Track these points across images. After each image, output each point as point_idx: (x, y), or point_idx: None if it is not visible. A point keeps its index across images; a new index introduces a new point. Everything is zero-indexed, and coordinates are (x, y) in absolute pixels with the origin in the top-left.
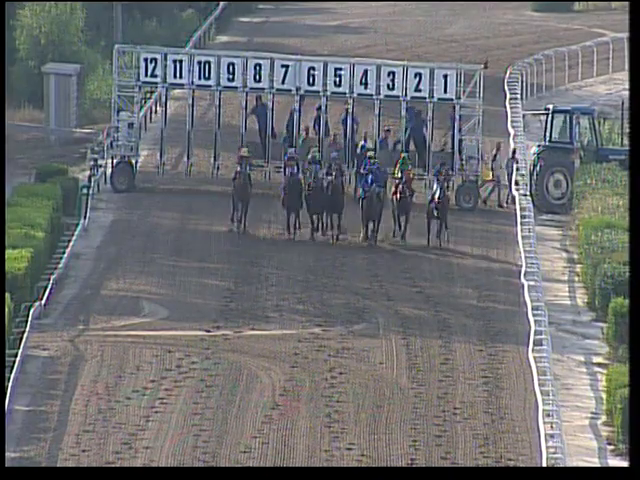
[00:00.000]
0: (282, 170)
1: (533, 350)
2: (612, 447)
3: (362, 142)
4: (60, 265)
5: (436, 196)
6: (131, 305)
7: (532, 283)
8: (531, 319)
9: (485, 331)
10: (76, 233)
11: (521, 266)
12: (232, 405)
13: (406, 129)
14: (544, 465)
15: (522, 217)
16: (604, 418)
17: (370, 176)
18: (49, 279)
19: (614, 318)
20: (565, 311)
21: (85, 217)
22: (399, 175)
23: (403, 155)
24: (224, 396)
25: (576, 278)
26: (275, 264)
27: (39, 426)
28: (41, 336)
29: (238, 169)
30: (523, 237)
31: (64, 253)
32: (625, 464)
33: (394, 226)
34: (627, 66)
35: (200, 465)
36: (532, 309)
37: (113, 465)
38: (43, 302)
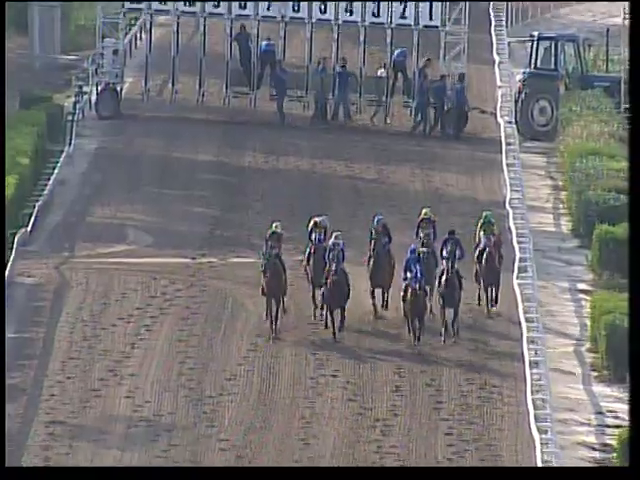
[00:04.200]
0: (308, 235)
1: (518, 277)
2: (596, 373)
3: (338, 68)
4: (45, 192)
5: (443, 278)
6: (116, 232)
7: (517, 210)
8: (516, 246)
9: (470, 258)
10: (61, 160)
11: (506, 194)
12: (217, 332)
13: (392, 61)
14: (529, 389)
15: (507, 144)
16: (588, 345)
17: (418, 266)
18: (34, 206)
19: (598, 245)
20: (550, 238)
21: (70, 144)
22: (482, 237)
23: (486, 214)
24: (209, 323)
25: (561, 205)
26: (260, 192)
27: (24, 353)
28: (26, 263)
29: (265, 251)
30: (508, 164)
31: (49, 180)
32: (608, 390)
33: (480, 296)
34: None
35: (185, 392)
36: (517, 236)
37: (99, 394)
38: (28, 229)
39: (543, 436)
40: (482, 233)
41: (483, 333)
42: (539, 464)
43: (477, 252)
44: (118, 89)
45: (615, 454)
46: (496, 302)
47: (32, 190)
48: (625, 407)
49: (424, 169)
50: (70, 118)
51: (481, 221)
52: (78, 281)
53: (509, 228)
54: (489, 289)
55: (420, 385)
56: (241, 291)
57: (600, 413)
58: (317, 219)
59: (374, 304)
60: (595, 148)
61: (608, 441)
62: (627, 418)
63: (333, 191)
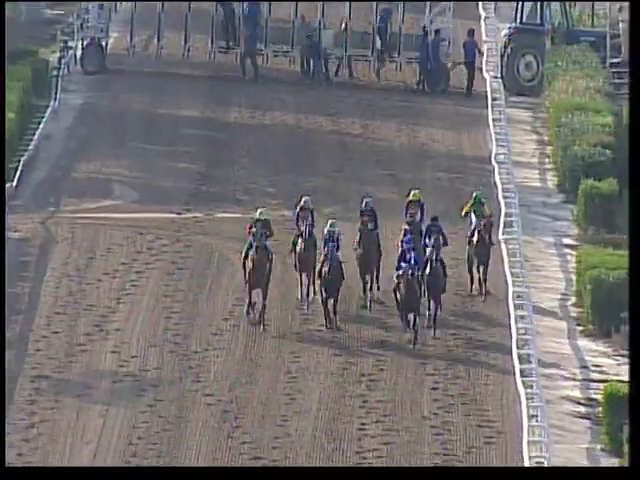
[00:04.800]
0: (294, 218)
1: (503, 232)
2: (581, 328)
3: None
4: (30, 147)
5: (427, 269)
6: (102, 187)
7: (502, 165)
8: (501, 201)
9: (455, 214)
10: (46, 115)
11: (491, 149)
12: (203, 287)
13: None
14: (514, 344)
15: (493, 99)
16: (573, 299)
17: (413, 254)
18: (19, 161)
19: (584, 200)
20: (535, 193)
21: (55, 99)
22: (473, 222)
23: (476, 194)
24: (195, 278)
25: (546, 160)
26: (246, 147)
27: (10, 308)
28: (12, 218)
29: (252, 241)
30: (494, 119)
31: (34, 135)
32: (593, 345)
33: (472, 277)
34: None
35: (171, 347)
36: (502, 191)
37: (84, 349)
38: (14, 184)
39: (528, 390)
40: (473, 214)
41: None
42: (524, 419)
43: (468, 233)
44: (103, 44)
45: (601, 408)
46: (485, 282)
47: (17, 145)
48: (610, 362)
49: (410, 124)
50: (55, 73)
51: (471, 201)
52: (64, 236)
53: (495, 183)
54: (480, 268)
55: (406, 340)
56: (227, 246)
57: (585, 367)
58: (302, 202)
59: (365, 288)
60: (581, 103)
61: (593, 395)
62: (610, 373)
63: (319, 146)
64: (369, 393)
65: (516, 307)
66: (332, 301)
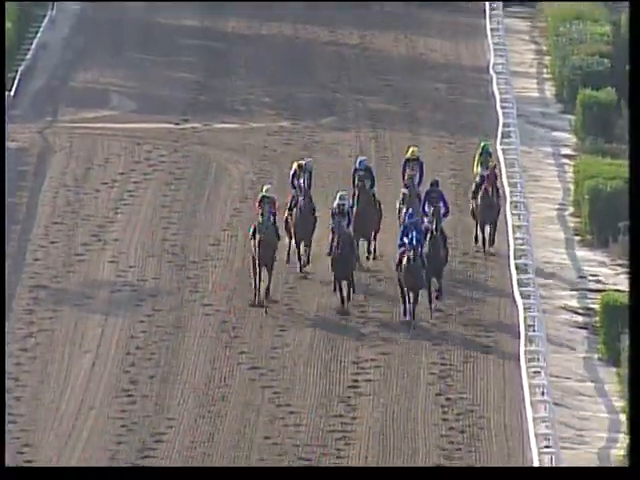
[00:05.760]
0: (290, 180)
1: (501, 142)
2: (579, 238)
3: None
4: (28, 56)
5: (427, 240)
6: (99, 97)
7: (500, 75)
8: (499, 112)
9: (454, 124)
10: (43, 24)
11: (489, 59)
12: (201, 198)
13: None
14: (512, 254)
15: (491, 9)
16: (571, 209)
17: (415, 232)
18: (17, 70)
19: (582, 109)
20: (533, 103)
21: (52, 7)
22: (479, 170)
23: (484, 144)
24: (193, 189)
25: (544, 70)
26: (243, 58)
27: (9, 217)
28: (10, 127)
29: (260, 220)
30: (492, 29)
31: (32, 44)
32: (591, 254)
33: (477, 235)
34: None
35: (169, 257)
36: (500, 102)
37: (83, 259)
38: (12, 93)
39: (526, 300)
40: (480, 166)
41: (466, 201)
42: (522, 328)
43: (473, 187)
44: None
45: (598, 318)
46: (492, 243)
47: (15, 54)
48: (607, 271)
49: (408, 34)
50: None
51: (479, 151)
52: (61, 146)
53: (492, 93)
54: (485, 228)
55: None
56: (225, 156)
57: (583, 277)
58: (301, 162)
59: (357, 256)
60: (579, 12)
61: (591, 305)
62: (608, 283)
63: (316, 57)
64: (367, 303)
65: (514, 217)
66: (346, 283)
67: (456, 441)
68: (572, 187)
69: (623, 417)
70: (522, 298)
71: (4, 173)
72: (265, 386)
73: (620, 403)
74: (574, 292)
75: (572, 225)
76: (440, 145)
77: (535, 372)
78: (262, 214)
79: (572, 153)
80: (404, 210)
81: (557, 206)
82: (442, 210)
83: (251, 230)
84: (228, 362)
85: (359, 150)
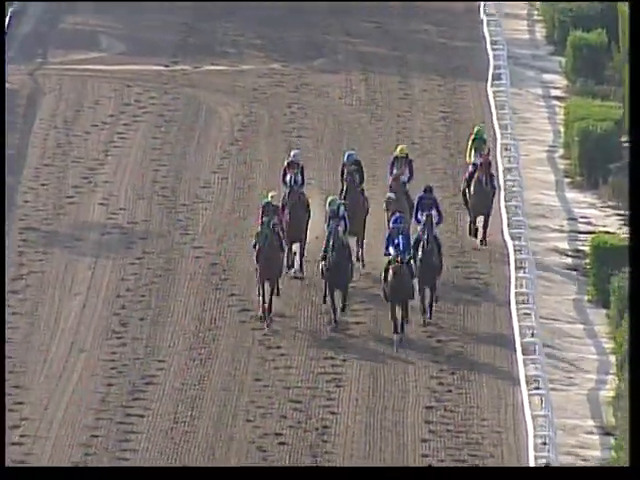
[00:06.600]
0: (281, 177)
1: (492, 84)
2: (569, 180)
3: None
4: None
5: (419, 251)
6: (88, 39)
7: (491, 17)
8: (490, 54)
9: (444, 66)
10: None
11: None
12: (191, 140)
13: None
14: (502, 196)
15: None
16: (561, 151)
17: (401, 238)
18: (7, 13)
19: (572, 51)
20: (524, 45)
21: None
22: (472, 159)
23: (478, 129)
24: (183, 131)
25: (535, 12)
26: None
27: None
28: None
29: (260, 230)
30: None
31: None
32: (581, 196)
33: (470, 227)
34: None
35: (159, 200)
36: (491, 44)
37: (73, 201)
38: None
39: (516, 242)
40: (473, 152)
41: (456, 143)
42: (512, 271)
43: (467, 175)
44: None
45: (588, 260)
46: (484, 238)
47: None
48: (597, 213)
49: None
50: None
51: (472, 137)
52: (51, 88)
53: (483, 35)
54: (478, 219)
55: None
56: (214, 99)
57: (573, 219)
58: (290, 157)
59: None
60: None
61: (581, 247)
62: (597, 224)
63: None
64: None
65: (504, 159)
66: (340, 293)
67: (446, 382)
68: (562, 129)
69: (612, 359)
70: (512, 240)
71: (4, 162)
72: (255, 328)
73: (609, 345)
74: (564, 234)
75: (562, 167)
76: (431, 88)
77: (525, 314)
78: (262, 223)
79: (562, 95)
80: (390, 215)
81: (547, 148)
82: (435, 219)
83: (252, 242)
84: (218, 304)
85: (349, 92)
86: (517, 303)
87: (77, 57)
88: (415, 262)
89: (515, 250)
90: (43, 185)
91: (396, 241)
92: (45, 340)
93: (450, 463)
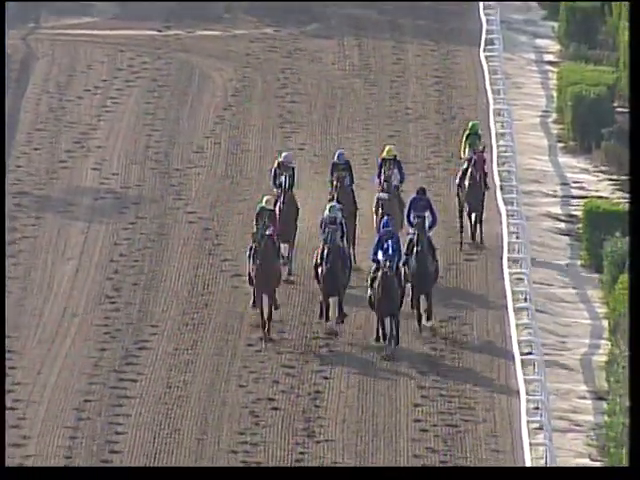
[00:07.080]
0: (272, 179)
1: (485, 49)
2: (562, 144)
3: None
4: None
5: (413, 256)
6: (81, 4)
7: None
8: (483, 18)
9: (437, 31)
10: None
11: None
12: (184, 105)
13: None
14: (495, 162)
15: None
16: (554, 116)
17: (390, 243)
18: None
19: (565, 16)
20: (517, 10)
21: None
22: (466, 154)
23: (473, 123)
24: (176, 96)
25: None
26: None
27: None
28: None
29: (254, 239)
30: None
31: None
32: (574, 161)
33: (462, 224)
34: None
35: (152, 165)
36: (484, 8)
37: (65, 165)
38: None
39: (509, 207)
40: (467, 147)
41: (449, 108)
42: (505, 236)
43: (460, 172)
44: None
45: (581, 225)
46: (475, 235)
47: None
48: (590, 178)
49: None
50: None
51: (467, 132)
52: (44, 52)
53: None
54: (472, 216)
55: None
56: (208, 63)
57: (566, 184)
58: (281, 158)
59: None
60: None
61: (573, 212)
62: (590, 189)
63: None
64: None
65: (497, 124)
66: (335, 301)
67: (439, 348)
68: (555, 94)
69: (605, 323)
70: (505, 205)
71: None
72: (248, 293)
73: (602, 309)
74: (557, 199)
75: (555, 132)
76: (424, 52)
77: (518, 279)
78: (257, 231)
79: (555, 60)
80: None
81: (540, 113)
82: (429, 220)
83: (247, 251)
84: (211, 269)
85: (342, 57)
86: (510, 268)
87: (70, 22)
88: (408, 267)
89: (508, 215)
90: (36, 150)
91: (385, 245)
92: (38, 305)
93: (442, 427)
